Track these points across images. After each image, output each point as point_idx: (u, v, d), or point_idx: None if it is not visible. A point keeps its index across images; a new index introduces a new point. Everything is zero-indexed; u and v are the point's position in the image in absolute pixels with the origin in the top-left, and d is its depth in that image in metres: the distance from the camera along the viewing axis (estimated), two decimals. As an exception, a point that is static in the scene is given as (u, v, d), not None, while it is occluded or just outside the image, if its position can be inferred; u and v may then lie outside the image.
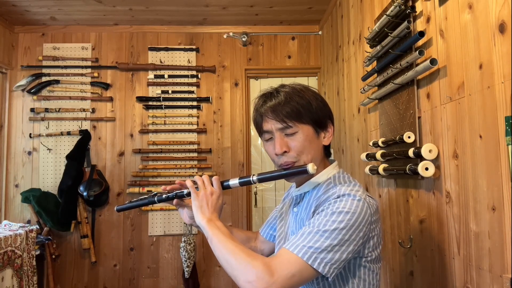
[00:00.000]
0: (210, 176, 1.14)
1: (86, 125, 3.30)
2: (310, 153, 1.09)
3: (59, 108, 3.27)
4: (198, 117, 3.35)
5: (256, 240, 1.41)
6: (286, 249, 0.94)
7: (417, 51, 1.42)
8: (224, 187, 1.13)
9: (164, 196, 1.20)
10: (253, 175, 1.10)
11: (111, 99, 3.33)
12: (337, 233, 0.93)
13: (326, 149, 1.17)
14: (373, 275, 1.06)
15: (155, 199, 1.21)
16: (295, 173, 1.07)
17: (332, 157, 1.21)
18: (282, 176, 1.10)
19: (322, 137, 1.13)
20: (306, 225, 0.98)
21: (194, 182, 1.14)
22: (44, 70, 3.31)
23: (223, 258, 0.96)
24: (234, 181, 1.13)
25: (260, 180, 1.10)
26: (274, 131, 1.09)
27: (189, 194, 1.14)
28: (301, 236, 0.95)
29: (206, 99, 3.36)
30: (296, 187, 1.18)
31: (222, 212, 1.11)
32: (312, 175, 1.11)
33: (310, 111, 1.09)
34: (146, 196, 1.23)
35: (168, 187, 1.20)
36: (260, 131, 1.15)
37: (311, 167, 1.03)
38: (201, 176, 1.15)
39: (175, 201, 1.21)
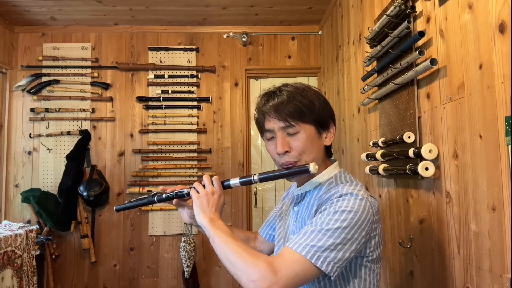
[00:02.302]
0: (211, 176, 1.14)
1: (86, 125, 3.30)
2: (312, 153, 1.08)
3: (59, 108, 3.27)
4: (198, 117, 3.35)
5: (255, 241, 1.41)
6: (289, 248, 0.94)
7: (417, 51, 1.42)
8: (225, 186, 1.13)
9: (164, 196, 1.20)
10: (254, 174, 1.10)
11: (111, 99, 3.33)
12: (340, 232, 0.93)
13: (328, 149, 1.17)
14: (374, 275, 1.06)
15: (155, 199, 1.20)
16: (296, 172, 1.07)
17: (332, 158, 1.21)
18: (283, 176, 1.09)
19: (324, 137, 1.13)
20: (309, 224, 0.98)
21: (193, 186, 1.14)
22: (44, 70, 3.31)
23: (225, 257, 0.95)
24: (235, 181, 1.12)
25: (261, 180, 1.10)
26: (276, 130, 1.09)
27: (189, 194, 1.14)
28: (303, 235, 0.95)
29: (206, 99, 3.36)
30: (297, 187, 1.18)
31: (222, 212, 1.11)
32: (313, 175, 1.11)
33: (313, 110, 1.09)
34: (146, 196, 1.23)
35: (168, 190, 1.20)
36: (262, 130, 1.14)
37: (312, 167, 1.03)
38: (201, 175, 1.15)
39: (175, 200, 1.21)
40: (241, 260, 0.92)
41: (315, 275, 0.93)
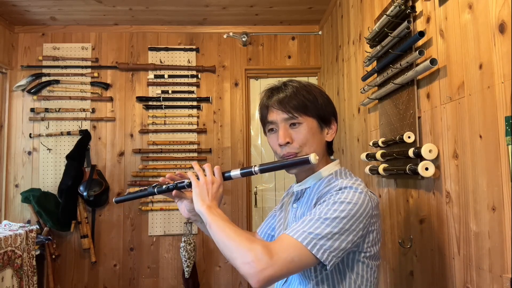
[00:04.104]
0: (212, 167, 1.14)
1: (86, 125, 3.30)
2: (313, 146, 1.10)
3: (59, 108, 3.27)
4: (198, 117, 3.35)
5: (253, 240, 1.41)
6: (286, 234, 0.95)
7: (417, 51, 1.42)
8: (226, 177, 1.14)
9: (164, 187, 1.19)
10: (255, 165, 1.11)
11: (111, 99, 3.33)
12: (338, 222, 0.94)
13: (329, 147, 1.18)
14: (371, 272, 1.06)
15: (155, 190, 1.20)
16: (297, 163, 1.08)
17: (332, 158, 1.22)
18: (284, 166, 1.10)
19: (325, 132, 1.15)
20: (308, 214, 0.99)
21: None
22: (44, 70, 3.31)
23: (222, 242, 0.96)
24: (235, 172, 1.13)
25: (262, 171, 1.10)
26: (278, 122, 1.11)
27: (189, 185, 1.14)
28: (302, 223, 0.96)
29: (206, 99, 3.36)
30: (297, 182, 1.19)
31: (221, 204, 1.11)
32: (314, 170, 1.12)
33: (316, 106, 1.11)
34: (146, 187, 1.23)
35: (168, 175, 1.21)
36: (264, 123, 1.16)
37: (313, 157, 1.04)
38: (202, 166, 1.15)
39: (174, 192, 1.20)
40: (237, 243, 0.93)
41: (310, 263, 0.93)
